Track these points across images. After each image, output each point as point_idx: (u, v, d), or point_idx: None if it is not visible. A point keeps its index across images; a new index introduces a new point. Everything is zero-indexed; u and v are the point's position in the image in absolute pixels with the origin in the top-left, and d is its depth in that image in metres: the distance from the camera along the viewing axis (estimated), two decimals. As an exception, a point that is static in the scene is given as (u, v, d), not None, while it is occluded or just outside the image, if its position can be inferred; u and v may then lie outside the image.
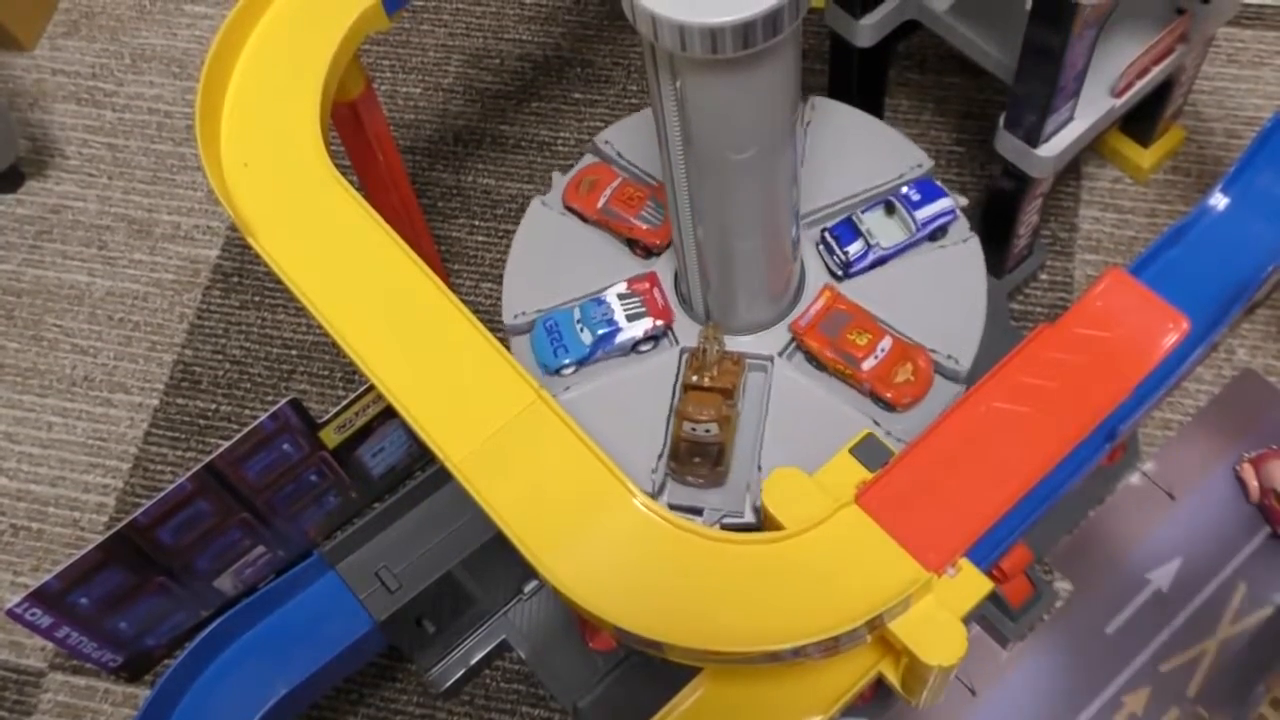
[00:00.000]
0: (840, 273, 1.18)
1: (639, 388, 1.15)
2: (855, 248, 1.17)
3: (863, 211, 1.20)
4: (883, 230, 1.18)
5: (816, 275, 1.19)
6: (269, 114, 1.06)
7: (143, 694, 1.31)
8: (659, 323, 1.16)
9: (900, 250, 1.18)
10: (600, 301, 1.17)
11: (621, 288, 1.18)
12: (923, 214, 1.18)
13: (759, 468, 1.09)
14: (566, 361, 1.15)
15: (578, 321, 1.16)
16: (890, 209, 1.19)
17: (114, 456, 1.46)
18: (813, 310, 1.15)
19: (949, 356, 1.13)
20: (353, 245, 0.99)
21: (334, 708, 1.29)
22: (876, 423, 1.10)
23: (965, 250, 1.19)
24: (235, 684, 1.10)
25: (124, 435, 1.48)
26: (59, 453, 1.47)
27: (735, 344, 1.15)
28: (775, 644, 0.81)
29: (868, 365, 1.12)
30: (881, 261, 1.18)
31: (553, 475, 0.89)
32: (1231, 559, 1.27)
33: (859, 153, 1.25)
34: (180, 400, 1.49)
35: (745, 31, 0.83)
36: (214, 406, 1.48)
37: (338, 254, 0.99)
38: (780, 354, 1.16)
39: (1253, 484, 1.28)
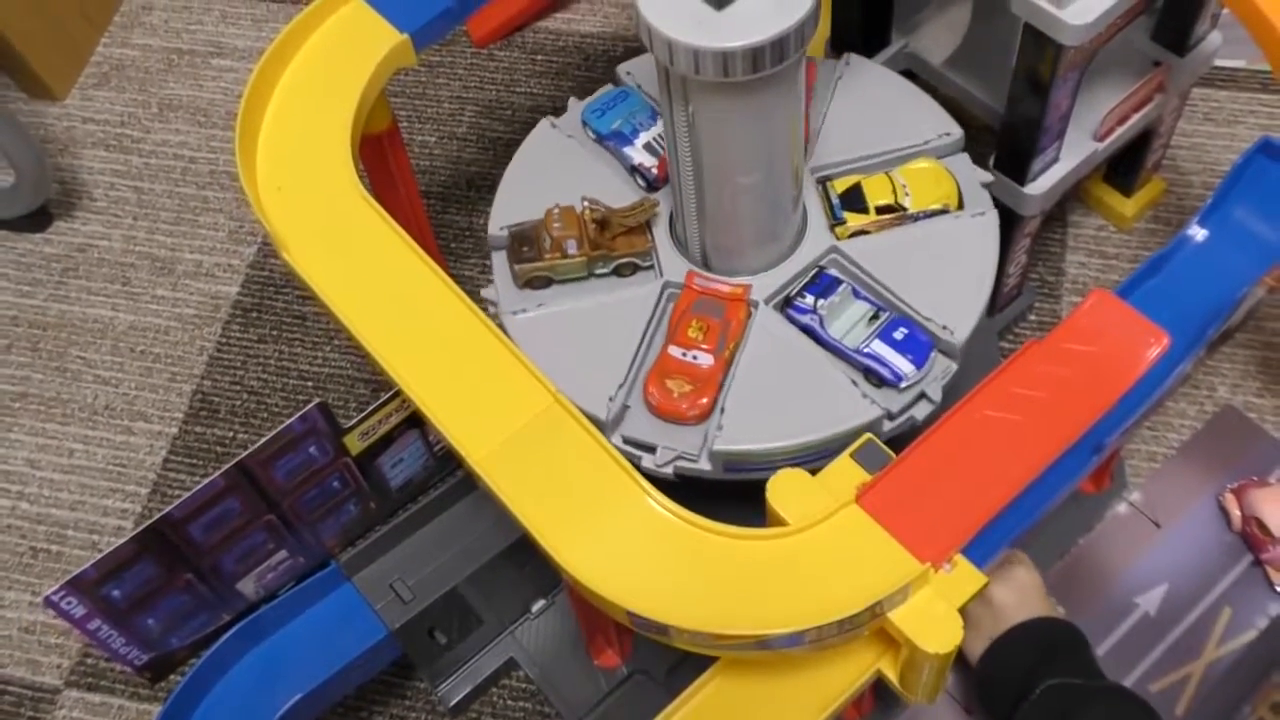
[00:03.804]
0: (782, 303, 1.14)
1: (588, 186, 1.19)
2: (807, 302, 1.11)
3: (856, 295, 1.12)
4: (844, 322, 1.10)
5: (773, 285, 1.14)
6: (303, 140, 1.12)
7: (155, 710, 1.34)
8: (654, 172, 1.19)
9: (834, 348, 1.10)
10: (655, 117, 1.22)
11: None
12: (877, 349, 1.08)
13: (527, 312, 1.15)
14: (592, 128, 1.23)
15: (632, 113, 1.22)
16: (874, 319, 1.11)
17: (133, 482, 1.50)
18: (716, 286, 1.11)
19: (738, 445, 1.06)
20: (379, 258, 1.04)
21: (343, 725, 1.32)
22: (610, 399, 1.07)
23: (862, 407, 1.07)
24: (252, 687, 1.13)
25: (143, 462, 1.52)
26: (79, 478, 1.51)
27: (666, 251, 1.16)
28: (780, 628, 0.85)
29: (673, 351, 1.08)
30: (814, 336, 1.11)
31: (569, 472, 0.93)
32: (1216, 584, 1.31)
33: (933, 270, 1.15)
34: (198, 429, 1.54)
35: (754, 56, 0.90)
36: (231, 435, 1.53)
37: (365, 266, 1.04)
38: (664, 287, 1.15)
39: (1235, 513, 1.32)
